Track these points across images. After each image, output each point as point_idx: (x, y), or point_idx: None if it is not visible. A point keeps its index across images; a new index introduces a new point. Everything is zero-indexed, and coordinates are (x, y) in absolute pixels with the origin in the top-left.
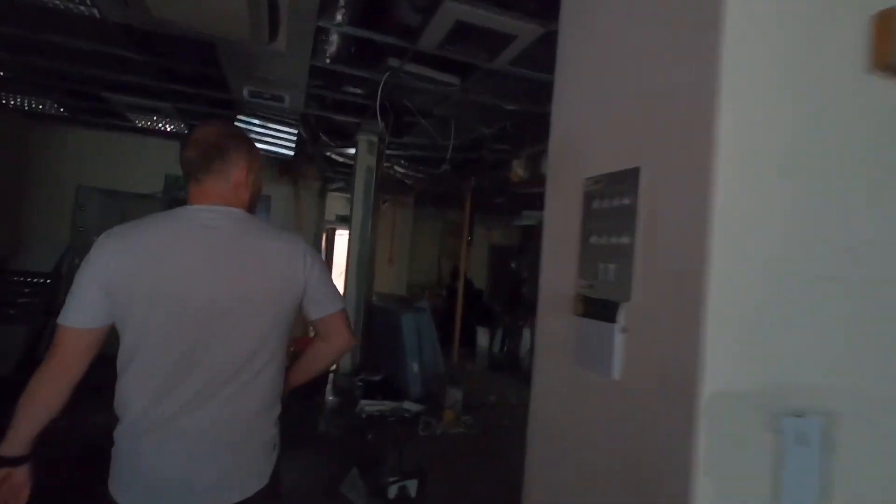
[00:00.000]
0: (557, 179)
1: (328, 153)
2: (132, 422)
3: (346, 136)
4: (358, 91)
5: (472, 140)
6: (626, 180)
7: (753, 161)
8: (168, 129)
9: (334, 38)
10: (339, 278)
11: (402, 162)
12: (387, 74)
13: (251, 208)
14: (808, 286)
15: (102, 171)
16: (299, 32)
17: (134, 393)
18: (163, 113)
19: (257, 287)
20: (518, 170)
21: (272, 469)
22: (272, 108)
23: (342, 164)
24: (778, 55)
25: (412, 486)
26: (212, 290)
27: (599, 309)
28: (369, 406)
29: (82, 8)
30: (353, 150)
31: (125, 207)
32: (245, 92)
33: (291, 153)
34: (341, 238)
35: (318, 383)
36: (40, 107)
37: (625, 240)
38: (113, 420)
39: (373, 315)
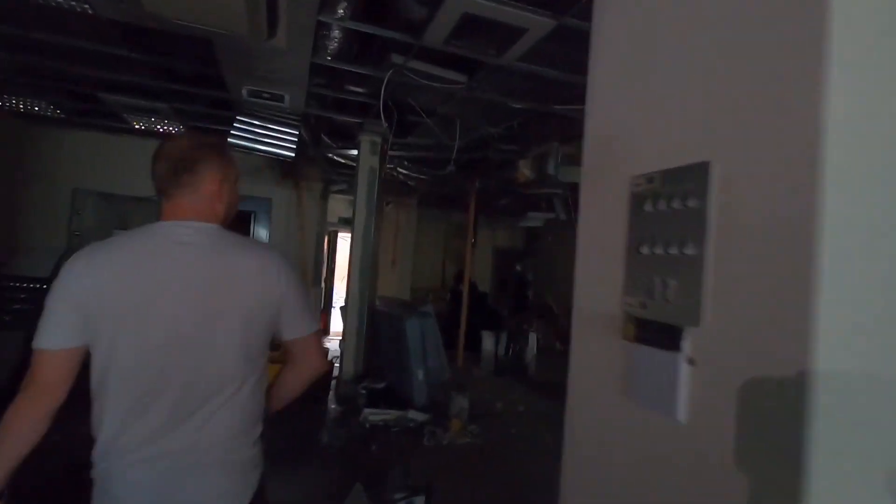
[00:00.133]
0: (595, 178)
1: (330, 154)
2: (105, 444)
3: (348, 137)
4: (360, 90)
5: (478, 140)
6: (690, 178)
7: (869, 153)
8: (165, 131)
9: (336, 33)
10: (341, 282)
11: (406, 163)
12: (390, 72)
13: (227, 220)
14: None
15: (99, 174)
16: (299, 28)
17: (105, 416)
18: (160, 114)
19: (229, 306)
20: (524, 170)
21: (253, 490)
22: (272, 108)
23: (344, 165)
24: None
25: (419, 502)
26: (180, 311)
27: (657, 334)
28: (373, 415)
29: (73, 3)
30: (355, 151)
31: (122, 211)
32: (244, 91)
33: (292, 155)
34: (344, 241)
35: (318, 391)
36: (35, 108)
37: (690, 250)
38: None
39: (376, 320)
